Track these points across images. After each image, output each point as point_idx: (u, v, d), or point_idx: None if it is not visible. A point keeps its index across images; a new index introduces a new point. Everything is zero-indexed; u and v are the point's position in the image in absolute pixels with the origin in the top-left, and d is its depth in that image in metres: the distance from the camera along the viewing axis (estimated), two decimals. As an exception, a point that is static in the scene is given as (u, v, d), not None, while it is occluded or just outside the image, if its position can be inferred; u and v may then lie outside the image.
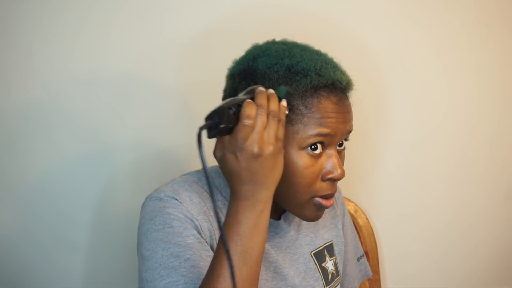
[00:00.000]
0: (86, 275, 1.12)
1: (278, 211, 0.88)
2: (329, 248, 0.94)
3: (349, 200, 1.22)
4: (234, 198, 0.69)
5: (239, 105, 0.68)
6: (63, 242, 1.10)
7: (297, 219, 0.90)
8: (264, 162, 0.68)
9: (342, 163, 0.81)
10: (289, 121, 0.75)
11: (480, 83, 1.32)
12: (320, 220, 0.94)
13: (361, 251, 1.06)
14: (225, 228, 0.68)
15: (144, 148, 1.12)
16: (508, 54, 1.33)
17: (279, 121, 0.70)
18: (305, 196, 0.78)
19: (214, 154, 0.71)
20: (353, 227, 1.07)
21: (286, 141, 0.75)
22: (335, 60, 0.81)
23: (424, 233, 1.33)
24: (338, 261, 0.96)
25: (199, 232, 0.77)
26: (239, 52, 0.83)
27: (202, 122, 0.68)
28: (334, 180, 0.78)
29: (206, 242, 0.77)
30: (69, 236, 1.10)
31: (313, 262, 0.90)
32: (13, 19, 1.02)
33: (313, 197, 0.78)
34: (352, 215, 1.21)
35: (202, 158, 0.64)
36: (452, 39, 1.28)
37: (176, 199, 0.78)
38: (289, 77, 0.75)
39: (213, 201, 0.65)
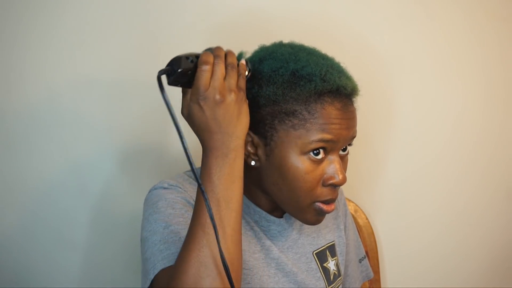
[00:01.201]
0: (86, 275, 1.12)
1: (281, 210, 0.88)
2: (331, 249, 0.94)
3: (349, 200, 1.22)
4: (205, 151, 0.70)
5: (197, 57, 0.70)
6: (63, 241, 1.10)
7: None
8: (228, 109, 0.69)
9: (345, 168, 0.81)
10: (292, 125, 0.75)
11: (486, 84, 1.31)
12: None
13: (362, 253, 1.06)
14: (202, 182, 0.69)
15: (144, 148, 1.12)
16: (497, 53, 1.32)
17: (239, 74, 0.71)
18: (306, 201, 0.78)
19: (182, 113, 0.72)
20: (355, 228, 1.07)
21: (288, 145, 0.75)
22: (342, 64, 0.80)
23: (424, 233, 1.33)
24: (339, 261, 0.96)
25: None
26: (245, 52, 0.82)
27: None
28: (335, 186, 0.78)
29: None
30: (69, 235, 1.10)
31: (315, 262, 0.90)
32: (13, 19, 1.01)
33: (314, 202, 0.78)
34: (352, 215, 1.21)
35: (165, 99, 0.65)
36: (459, 40, 1.28)
37: (180, 188, 0.80)
38: (294, 82, 0.75)
39: (178, 131, 0.65)
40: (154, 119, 1.11)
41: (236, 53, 0.76)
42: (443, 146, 1.31)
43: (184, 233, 0.72)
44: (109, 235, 1.12)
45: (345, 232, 0.99)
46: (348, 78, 0.78)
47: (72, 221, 1.10)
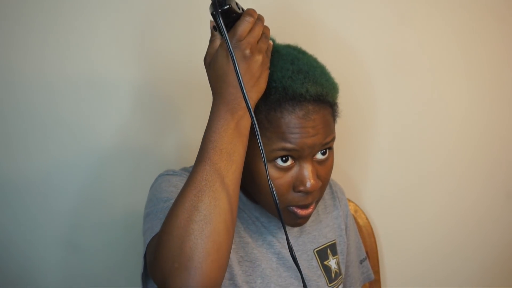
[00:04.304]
0: (86, 275, 1.12)
1: None
2: (332, 247, 0.94)
3: (349, 200, 1.21)
4: (216, 102, 0.70)
5: (243, 9, 0.71)
6: (63, 242, 1.10)
7: None
8: (252, 67, 0.69)
9: (325, 172, 0.79)
10: (254, 134, 0.72)
11: (478, 83, 1.32)
12: (323, 219, 0.95)
13: (363, 254, 1.06)
14: (207, 132, 0.69)
15: (144, 147, 1.12)
16: (500, 54, 1.33)
17: (267, 47, 0.72)
18: (279, 205, 0.77)
19: (204, 60, 0.72)
20: (357, 229, 1.07)
21: (254, 152, 0.74)
22: (319, 65, 0.78)
23: (424, 234, 1.33)
24: (340, 260, 0.96)
25: None
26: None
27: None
28: (306, 193, 0.77)
29: None
30: (69, 236, 1.10)
31: (315, 260, 0.91)
32: (12, 19, 1.01)
33: (287, 206, 0.78)
34: (352, 215, 1.20)
35: (219, 23, 0.65)
36: (460, 41, 1.29)
37: (185, 174, 0.81)
38: None
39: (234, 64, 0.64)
40: (154, 119, 1.11)
41: None
42: (443, 146, 1.32)
43: None
44: (110, 236, 1.12)
45: (346, 232, 0.99)
46: (316, 83, 0.74)
47: (72, 221, 1.10)
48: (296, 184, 0.76)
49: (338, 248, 0.96)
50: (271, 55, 0.76)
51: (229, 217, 0.66)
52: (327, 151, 0.78)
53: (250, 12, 0.70)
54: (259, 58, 0.69)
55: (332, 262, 0.92)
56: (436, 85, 1.29)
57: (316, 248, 0.91)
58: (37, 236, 1.08)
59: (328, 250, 0.93)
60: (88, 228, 1.11)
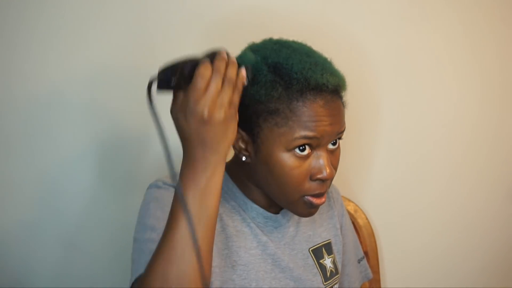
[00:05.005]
0: (87, 276, 1.13)
1: (277, 206, 0.89)
2: (327, 246, 0.95)
3: (349, 200, 1.22)
4: (185, 159, 0.68)
5: (196, 65, 0.66)
6: (64, 242, 1.10)
7: (295, 215, 0.90)
8: (214, 128, 0.65)
9: (336, 162, 0.82)
10: (275, 124, 0.76)
11: (479, 83, 1.32)
12: (317, 219, 0.96)
13: (361, 253, 1.07)
14: (179, 186, 0.67)
15: (145, 147, 1.12)
16: (506, 55, 1.33)
17: (234, 88, 0.68)
18: (294, 195, 0.79)
19: (171, 112, 0.69)
20: (353, 229, 1.07)
21: (273, 142, 0.76)
22: (328, 58, 0.81)
23: (424, 233, 1.33)
24: (336, 259, 0.96)
25: None
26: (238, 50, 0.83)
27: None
28: (323, 180, 0.79)
29: None
30: (70, 236, 1.10)
31: (311, 258, 0.91)
32: (12, 18, 1.02)
33: (303, 195, 0.79)
34: (352, 215, 1.21)
35: (154, 112, 0.64)
36: (454, 41, 1.29)
37: (173, 190, 0.79)
38: (276, 81, 0.76)
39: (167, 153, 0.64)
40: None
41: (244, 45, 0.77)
42: (443, 146, 1.31)
43: None
44: (111, 236, 1.12)
45: (341, 231, 1.00)
46: (333, 74, 0.77)
47: (73, 221, 1.10)
48: (314, 172, 0.78)
49: (334, 247, 0.97)
50: (284, 50, 0.78)
51: (202, 274, 0.66)
52: (337, 141, 0.81)
53: (202, 72, 0.65)
54: (220, 115, 0.65)
55: (327, 261, 0.93)
56: (438, 86, 1.29)
57: (311, 247, 0.92)
58: (37, 236, 1.08)
59: (323, 249, 0.94)
60: (88, 227, 1.11)
